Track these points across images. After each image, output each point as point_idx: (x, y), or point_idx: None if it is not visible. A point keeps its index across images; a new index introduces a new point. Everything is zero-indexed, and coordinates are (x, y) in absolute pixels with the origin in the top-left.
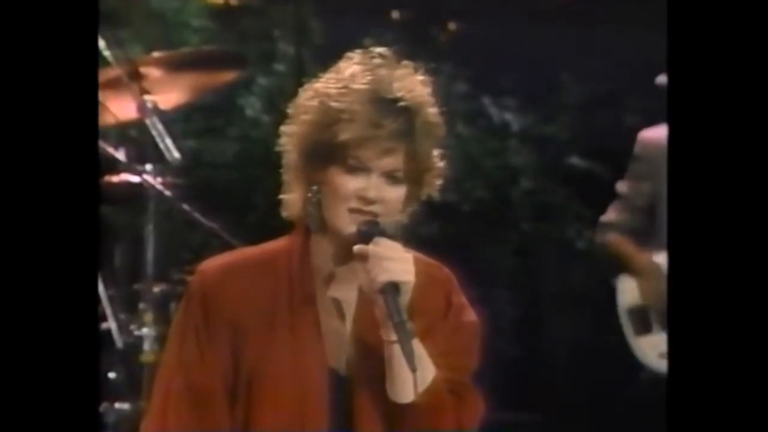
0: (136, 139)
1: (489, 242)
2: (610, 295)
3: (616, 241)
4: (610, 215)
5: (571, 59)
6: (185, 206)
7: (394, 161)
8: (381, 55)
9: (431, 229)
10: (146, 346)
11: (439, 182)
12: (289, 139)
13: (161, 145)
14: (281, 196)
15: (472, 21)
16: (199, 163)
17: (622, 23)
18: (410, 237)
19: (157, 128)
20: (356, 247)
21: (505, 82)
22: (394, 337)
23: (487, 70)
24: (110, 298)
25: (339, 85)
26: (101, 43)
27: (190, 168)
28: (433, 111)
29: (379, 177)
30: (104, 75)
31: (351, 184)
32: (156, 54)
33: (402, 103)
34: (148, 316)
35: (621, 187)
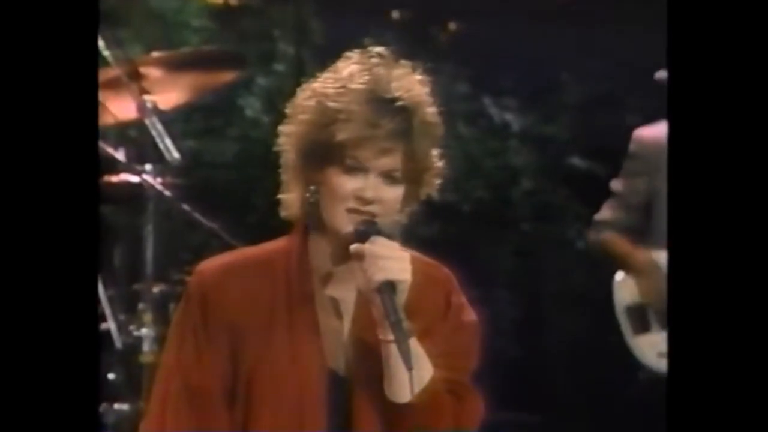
0: (136, 139)
1: (489, 242)
2: (609, 295)
3: (613, 239)
4: (605, 213)
5: (572, 59)
6: (185, 206)
7: (392, 161)
8: (379, 55)
9: (431, 230)
10: (146, 346)
11: (438, 182)
12: (287, 139)
13: (161, 145)
14: (280, 196)
15: (472, 21)
16: (198, 164)
17: (622, 23)
18: (410, 237)
19: (156, 128)
20: (353, 247)
21: (505, 82)
22: (390, 336)
23: (488, 70)
24: (110, 299)
25: (337, 85)
26: (101, 43)
27: (190, 168)
28: (431, 110)
29: (376, 177)
30: (104, 75)
31: (349, 184)
32: (156, 54)
33: (399, 103)
34: (148, 317)
35: (616, 185)
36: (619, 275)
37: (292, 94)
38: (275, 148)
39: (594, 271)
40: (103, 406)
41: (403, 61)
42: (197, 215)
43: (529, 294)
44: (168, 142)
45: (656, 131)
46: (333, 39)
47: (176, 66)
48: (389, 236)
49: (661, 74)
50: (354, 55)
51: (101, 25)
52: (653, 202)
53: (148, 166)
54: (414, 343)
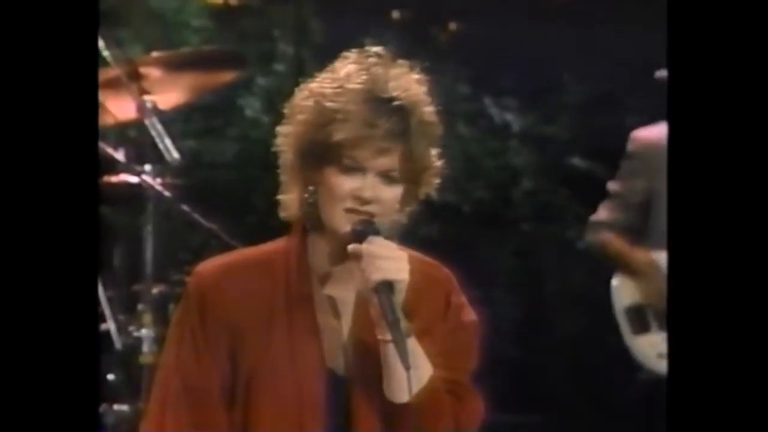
0: (136, 140)
1: (489, 242)
2: (609, 295)
3: (611, 240)
4: (602, 214)
5: (572, 59)
6: (184, 207)
7: (390, 161)
8: (376, 54)
9: (431, 230)
10: (145, 347)
11: (436, 181)
12: (285, 139)
13: (160, 146)
14: (279, 197)
15: (472, 21)
16: (198, 164)
17: (622, 23)
18: (410, 237)
19: (156, 128)
20: (350, 247)
21: (505, 82)
22: (388, 335)
23: (488, 70)
24: (109, 299)
25: (334, 85)
26: (101, 43)
27: (190, 168)
28: (428, 110)
29: (374, 177)
30: (104, 75)
31: (347, 184)
32: (155, 54)
33: (397, 103)
34: (147, 317)
35: (613, 186)
36: (617, 277)
37: (292, 94)
38: (274, 149)
39: (594, 271)
40: (102, 407)
41: (400, 61)
42: (197, 216)
43: (529, 294)
44: (168, 142)
45: (654, 132)
46: (333, 39)
47: (176, 66)
48: (386, 236)
49: (662, 73)
50: (351, 54)
51: (101, 25)
52: (651, 202)
53: (147, 167)
54: (413, 343)
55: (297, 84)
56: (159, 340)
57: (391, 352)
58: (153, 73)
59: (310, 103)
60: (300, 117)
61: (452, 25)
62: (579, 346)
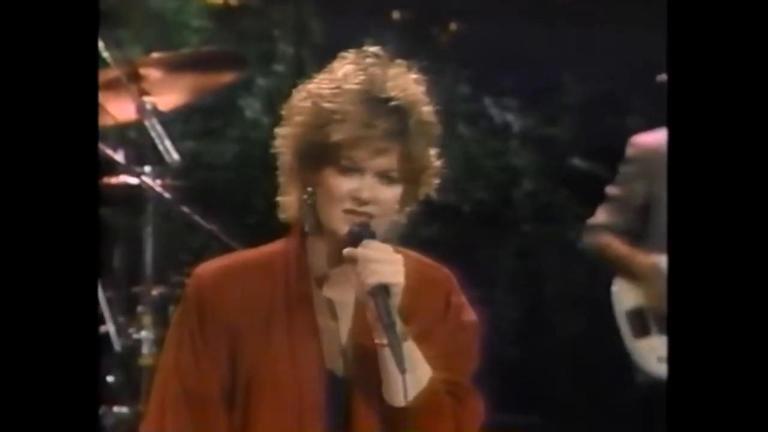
0: (135, 141)
1: (490, 243)
2: (610, 296)
3: (612, 242)
4: (600, 217)
5: (572, 59)
6: (184, 208)
7: (388, 161)
8: (374, 55)
9: (432, 230)
10: (145, 349)
11: (436, 181)
12: (284, 140)
13: (160, 147)
14: (278, 199)
15: (472, 21)
16: (198, 165)
17: (622, 23)
18: (410, 238)
19: (156, 130)
20: (345, 251)
21: (505, 82)
22: (385, 339)
23: (488, 70)
24: (109, 301)
25: (332, 86)
26: (100, 44)
27: (190, 169)
28: (427, 110)
29: (373, 177)
30: (103, 76)
31: (345, 185)
32: (155, 55)
33: (395, 103)
34: (147, 319)
35: (612, 189)
36: (618, 280)
37: (291, 94)
38: (273, 150)
39: (594, 272)
40: (102, 409)
41: (398, 61)
42: (197, 217)
43: (530, 295)
44: (167, 143)
45: (653, 137)
46: (333, 39)
47: (176, 67)
48: (384, 238)
49: (662, 77)
50: (349, 55)
51: (101, 26)
52: (650, 206)
53: (147, 168)
54: (411, 347)
55: (297, 85)
56: (159, 342)
57: (387, 355)
58: (153, 74)
59: (307, 104)
60: (298, 118)
61: (452, 26)
62: (579, 347)
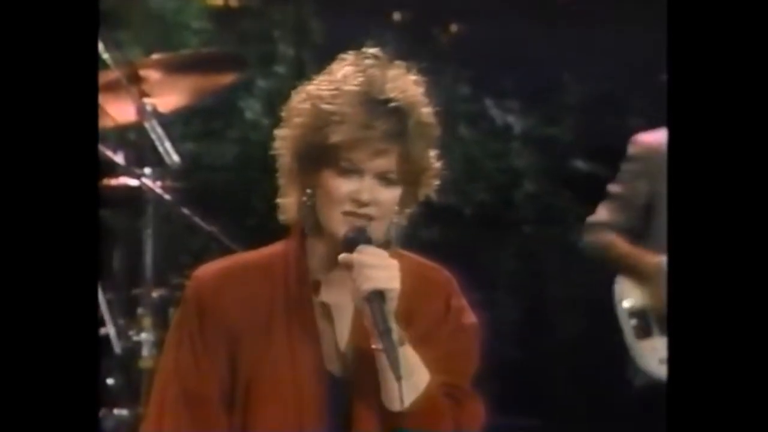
0: (135, 143)
1: (491, 245)
2: (611, 298)
3: (615, 241)
4: (602, 215)
5: (573, 60)
6: (184, 210)
7: (387, 162)
8: (373, 56)
9: (432, 232)
10: (145, 351)
11: (436, 183)
12: (283, 142)
13: (160, 149)
14: (277, 200)
15: (473, 22)
16: (198, 167)
17: (622, 23)
18: (411, 240)
19: (156, 131)
20: (341, 256)
21: (506, 83)
22: (381, 345)
23: (489, 71)
24: (109, 303)
25: (331, 87)
26: (100, 46)
27: (190, 171)
28: (426, 111)
29: (372, 179)
30: (103, 78)
31: (344, 186)
32: (155, 56)
33: (394, 104)
34: (147, 321)
35: (614, 188)
36: (620, 280)
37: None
38: (273, 152)
39: (596, 274)
40: (102, 412)
41: (397, 62)
42: (197, 219)
43: (531, 297)
44: (167, 145)
45: (655, 136)
46: (333, 40)
47: (176, 68)
48: (381, 243)
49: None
50: (348, 56)
51: (101, 28)
52: (653, 205)
53: (147, 170)
54: (408, 352)
55: (297, 86)
56: (159, 345)
57: (384, 361)
58: (153, 75)
59: (306, 105)
60: (297, 120)
61: (453, 27)
62: (580, 348)
